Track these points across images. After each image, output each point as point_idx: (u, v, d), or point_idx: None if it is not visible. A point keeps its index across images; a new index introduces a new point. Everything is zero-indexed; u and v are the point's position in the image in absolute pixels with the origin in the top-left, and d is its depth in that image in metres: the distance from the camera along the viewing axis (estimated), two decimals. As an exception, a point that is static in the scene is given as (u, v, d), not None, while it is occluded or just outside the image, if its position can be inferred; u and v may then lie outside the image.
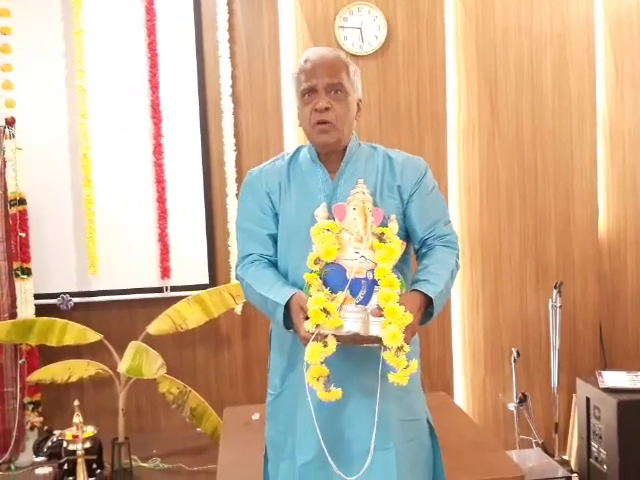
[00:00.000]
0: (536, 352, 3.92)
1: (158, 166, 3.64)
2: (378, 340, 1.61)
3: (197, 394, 3.41)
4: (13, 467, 3.39)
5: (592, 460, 3.39)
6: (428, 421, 1.95)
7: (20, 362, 3.44)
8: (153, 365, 3.13)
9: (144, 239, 3.67)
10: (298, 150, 1.97)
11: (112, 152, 3.63)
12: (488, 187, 3.89)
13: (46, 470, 3.28)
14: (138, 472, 3.29)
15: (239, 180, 3.60)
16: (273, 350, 1.98)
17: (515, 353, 3.68)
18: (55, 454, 3.23)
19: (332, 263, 1.66)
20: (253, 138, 3.74)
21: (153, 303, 3.62)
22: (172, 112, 3.65)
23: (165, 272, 3.67)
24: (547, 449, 3.58)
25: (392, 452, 1.79)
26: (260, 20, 3.71)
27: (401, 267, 1.78)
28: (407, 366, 1.60)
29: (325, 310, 1.59)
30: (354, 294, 1.64)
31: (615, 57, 3.85)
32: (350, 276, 1.64)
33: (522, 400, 3.67)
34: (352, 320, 1.60)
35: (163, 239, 3.66)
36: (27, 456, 3.45)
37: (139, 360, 3.15)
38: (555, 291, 3.68)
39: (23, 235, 3.46)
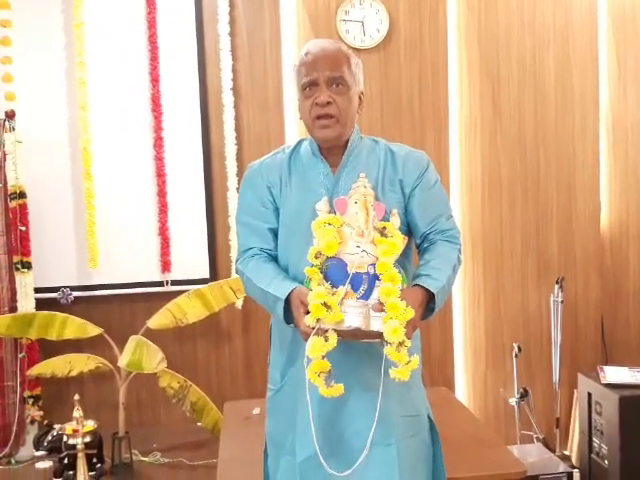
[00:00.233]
0: (537, 347, 3.92)
1: (159, 160, 3.63)
2: (379, 335, 1.60)
3: (197, 388, 3.40)
4: (13, 461, 3.39)
5: (593, 455, 3.38)
6: (429, 416, 1.94)
7: (20, 356, 3.44)
8: (153, 359, 3.13)
9: (145, 233, 3.66)
10: (299, 143, 1.95)
11: (112, 145, 3.62)
12: (490, 182, 3.87)
13: (46, 464, 3.31)
14: (138, 466, 3.28)
15: (240, 174, 3.58)
16: (273, 345, 1.97)
17: (516, 348, 3.67)
18: (55, 448, 3.22)
19: (333, 257, 1.65)
20: (254, 132, 3.72)
21: (153, 297, 3.61)
22: (173, 105, 3.64)
23: (165, 266, 3.66)
24: (548, 444, 3.58)
25: (393, 448, 1.79)
26: (261, 13, 3.69)
27: (403, 262, 1.76)
28: (409, 361, 1.59)
29: (326, 305, 1.57)
30: (355, 289, 1.63)
31: (618, 52, 3.83)
32: (351, 270, 1.63)
33: (523, 395, 3.66)
34: (353, 315, 1.59)
35: (164, 233, 3.65)
36: (27, 450, 3.45)
37: (139, 354, 3.14)
38: (557, 286, 3.67)
39: (23, 229, 3.45)
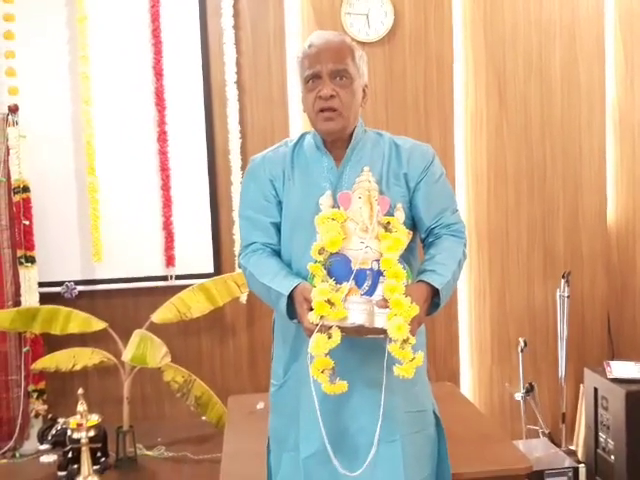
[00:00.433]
0: (543, 342, 3.90)
1: (162, 154, 3.61)
2: (383, 332, 1.58)
3: (202, 383, 3.40)
4: (18, 455, 3.39)
5: (599, 450, 3.37)
6: (434, 412, 1.93)
7: (24, 350, 3.44)
8: (157, 354, 3.12)
9: (149, 227, 3.64)
10: (302, 137, 1.93)
11: (116, 140, 3.60)
12: (496, 177, 3.85)
13: (50, 458, 3.31)
14: (143, 460, 3.28)
15: (244, 168, 3.56)
16: (276, 340, 1.95)
17: (522, 343, 3.65)
18: (59, 442, 3.23)
19: (337, 253, 1.63)
20: (258, 125, 3.71)
21: (158, 291, 3.61)
22: (176, 99, 3.62)
23: (170, 260, 3.65)
24: (554, 439, 3.57)
25: (398, 444, 1.78)
26: (265, 6, 3.67)
27: (407, 256, 1.75)
28: (413, 358, 1.57)
29: (329, 301, 1.56)
30: (359, 285, 1.61)
31: (625, 47, 3.79)
32: (355, 267, 1.61)
33: (529, 390, 3.65)
34: (357, 311, 1.57)
35: (168, 227, 3.64)
36: (32, 444, 3.45)
37: (143, 348, 3.14)
38: (563, 281, 3.65)
39: (27, 223, 3.44)
